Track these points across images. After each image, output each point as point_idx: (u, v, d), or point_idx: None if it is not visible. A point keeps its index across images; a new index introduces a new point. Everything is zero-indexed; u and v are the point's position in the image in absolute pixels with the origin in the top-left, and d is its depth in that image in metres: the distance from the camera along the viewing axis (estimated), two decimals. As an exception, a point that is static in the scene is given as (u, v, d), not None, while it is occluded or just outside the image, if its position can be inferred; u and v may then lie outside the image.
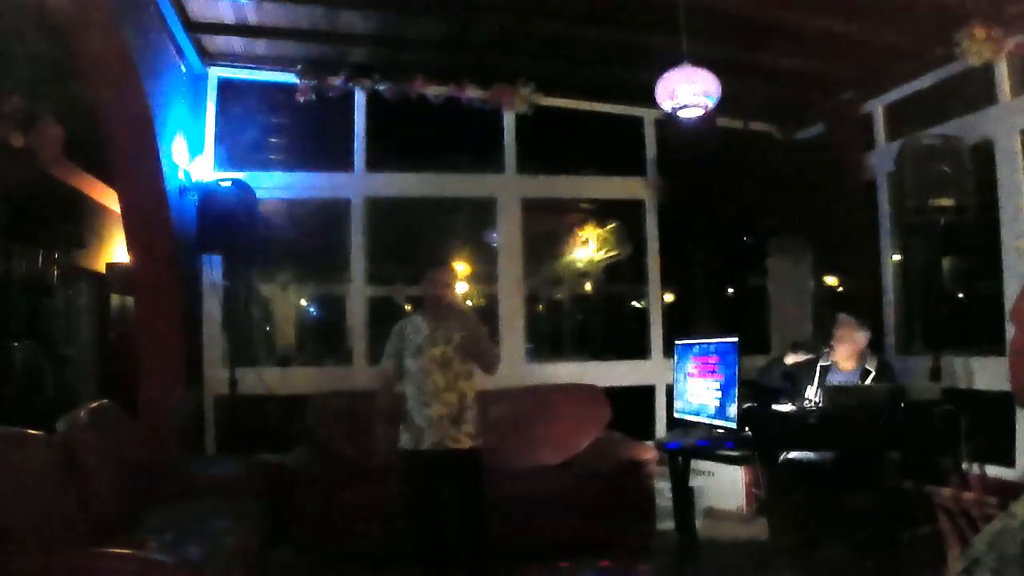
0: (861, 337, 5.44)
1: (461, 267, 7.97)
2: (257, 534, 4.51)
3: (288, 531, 5.19)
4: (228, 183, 5.87)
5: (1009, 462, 5.16)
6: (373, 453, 5.59)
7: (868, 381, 5.24)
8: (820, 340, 5.75)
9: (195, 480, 5.06)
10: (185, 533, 4.01)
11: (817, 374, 5.45)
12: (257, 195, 5.92)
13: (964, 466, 4.94)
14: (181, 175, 5.99)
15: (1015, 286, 5.17)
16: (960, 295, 6.93)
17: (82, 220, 7.00)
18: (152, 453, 5.03)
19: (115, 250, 7.24)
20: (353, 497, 5.31)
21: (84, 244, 7.00)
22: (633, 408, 6.87)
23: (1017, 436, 5.13)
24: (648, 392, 7.02)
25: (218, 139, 6.56)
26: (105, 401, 4.76)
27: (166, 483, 4.83)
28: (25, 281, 6.33)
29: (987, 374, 5.37)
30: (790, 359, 5.55)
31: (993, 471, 5.08)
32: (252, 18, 5.86)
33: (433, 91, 6.66)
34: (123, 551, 3.31)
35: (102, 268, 7.18)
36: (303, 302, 8.91)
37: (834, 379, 5.35)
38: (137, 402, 5.63)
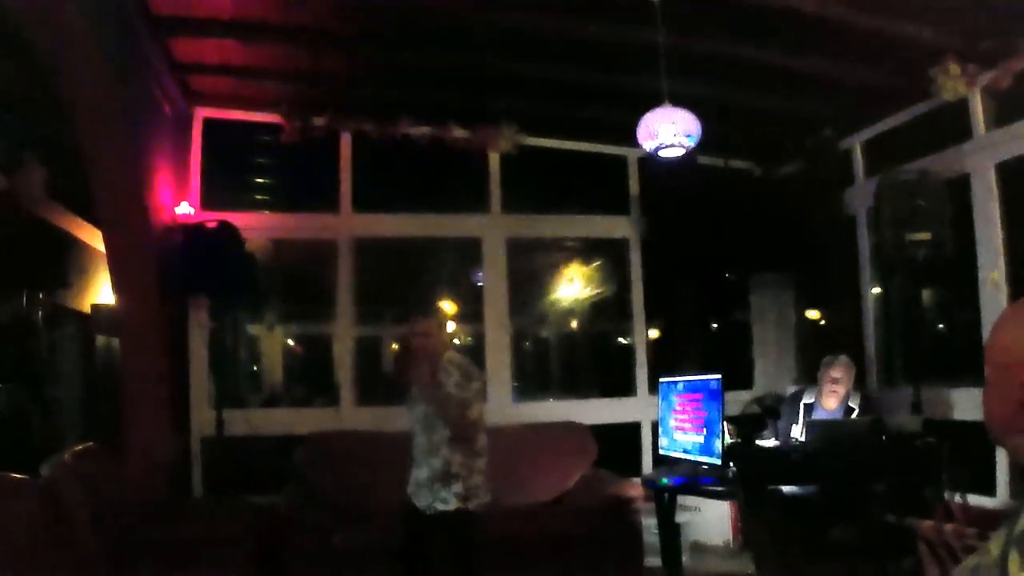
0: (852, 376, 5.46)
1: (447, 306, 7.99)
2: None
3: (277, 574, 5.14)
4: (214, 223, 5.89)
5: (991, 491, 5.20)
6: (364, 495, 5.57)
7: (853, 417, 5.28)
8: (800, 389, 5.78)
9: (183, 523, 5.03)
10: (172, 576, 4.00)
11: (801, 412, 5.47)
12: (243, 236, 5.92)
13: (947, 496, 4.97)
14: (167, 215, 6.00)
15: (992, 317, 5.24)
16: (940, 327, 7.00)
17: (67, 260, 6.99)
18: (139, 496, 5.00)
19: (101, 291, 7.22)
20: (344, 539, 5.27)
21: (69, 284, 6.99)
22: (619, 445, 6.87)
23: (998, 465, 5.18)
24: (634, 429, 7.03)
25: (204, 179, 6.56)
26: (91, 443, 4.74)
27: (153, 526, 4.79)
28: (9, 322, 6.31)
29: (967, 405, 5.42)
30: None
31: (976, 500, 5.11)
32: (237, 59, 5.91)
33: (418, 132, 6.71)
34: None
35: (87, 309, 7.15)
36: (290, 342, 8.89)
37: (818, 416, 5.37)
38: (123, 444, 5.58)
